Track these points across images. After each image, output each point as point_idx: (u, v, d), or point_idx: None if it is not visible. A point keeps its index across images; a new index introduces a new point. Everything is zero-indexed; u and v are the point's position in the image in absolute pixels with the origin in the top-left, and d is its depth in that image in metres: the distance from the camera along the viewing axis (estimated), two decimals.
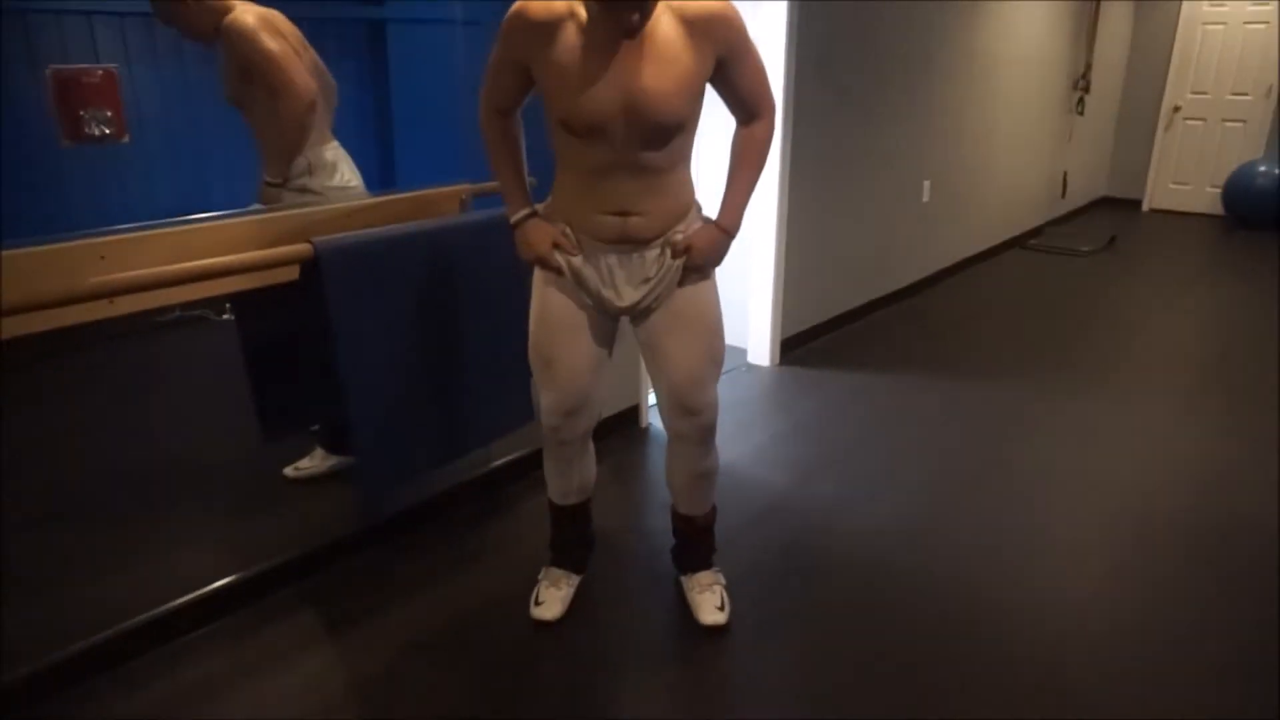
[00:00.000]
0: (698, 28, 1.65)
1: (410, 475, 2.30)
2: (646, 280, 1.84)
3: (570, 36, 1.64)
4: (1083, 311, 4.74)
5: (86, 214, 2.10)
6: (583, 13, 1.64)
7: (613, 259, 1.83)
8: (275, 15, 2.17)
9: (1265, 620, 2.15)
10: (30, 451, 2.36)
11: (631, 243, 1.80)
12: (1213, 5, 6.88)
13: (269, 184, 2.26)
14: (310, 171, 2.30)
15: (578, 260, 1.84)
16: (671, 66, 1.64)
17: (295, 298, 2.03)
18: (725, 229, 1.86)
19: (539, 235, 1.85)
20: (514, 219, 1.89)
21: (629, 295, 1.86)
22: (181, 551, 2.27)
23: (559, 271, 1.86)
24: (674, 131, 1.70)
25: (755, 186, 1.90)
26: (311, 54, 2.27)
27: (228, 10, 2.09)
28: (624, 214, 1.77)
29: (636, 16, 1.54)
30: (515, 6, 1.67)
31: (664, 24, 1.64)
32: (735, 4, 1.70)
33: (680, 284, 1.86)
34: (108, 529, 2.33)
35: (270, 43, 2.12)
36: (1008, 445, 3.13)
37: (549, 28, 1.64)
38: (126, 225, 1.81)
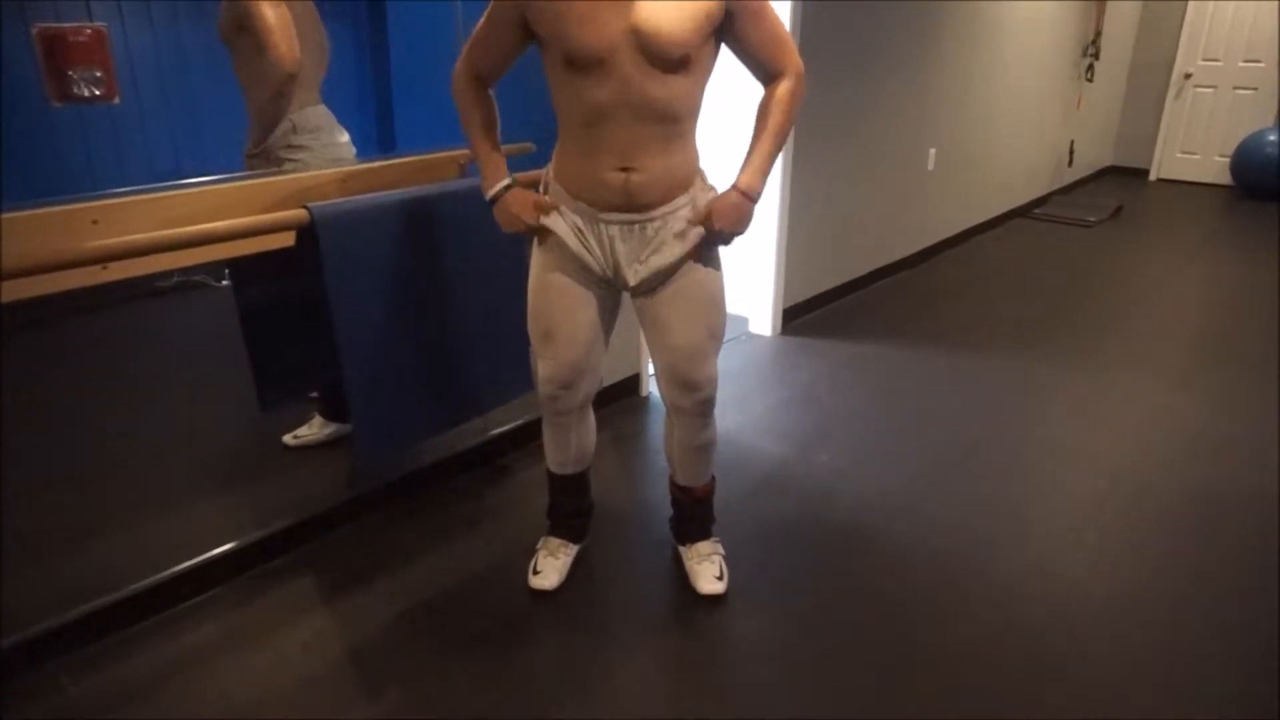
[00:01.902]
0: None
1: (408, 443, 2.30)
2: (646, 257, 1.80)
3: None
4: (1087, 282, 4.70)
5: (79, 177, 2.07)
6: None
7: (614, 230, 1.78)
8: None
9: (1264, 592, 2.15)
10: (27, 418, 2.35)
11: (633, 209, 1.75)
12: None
13: (250, 155, 2.23)
14: (295, 131, 2.27)
15: (572, 220, 1.80)
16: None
17: (292, 264, 2.00)
18: (744, 191, 1.78)
19: (519, 202, 1.82)
20: (491, 192, 1.84)
21: (631, 275, 1.82)
22: (179, 518, 2.27)
23: (543, 231, 1.82)
24: (679, 62, 1.64)
25: (778, 149, 1.81)
26: (313, 14, 2.22)
27: None
28: (626, 169, 1.70)
29: None
30: None
31: None
32: None
33: (696, 259, 1.82)
34: (104, 496, 2.33)
35: (270, 9, 2.07)
36: (1008, 416, 3.12)
37: None
38: (119, 189, 1.78)
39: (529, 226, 1.83)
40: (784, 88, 1.78)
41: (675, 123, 1.71)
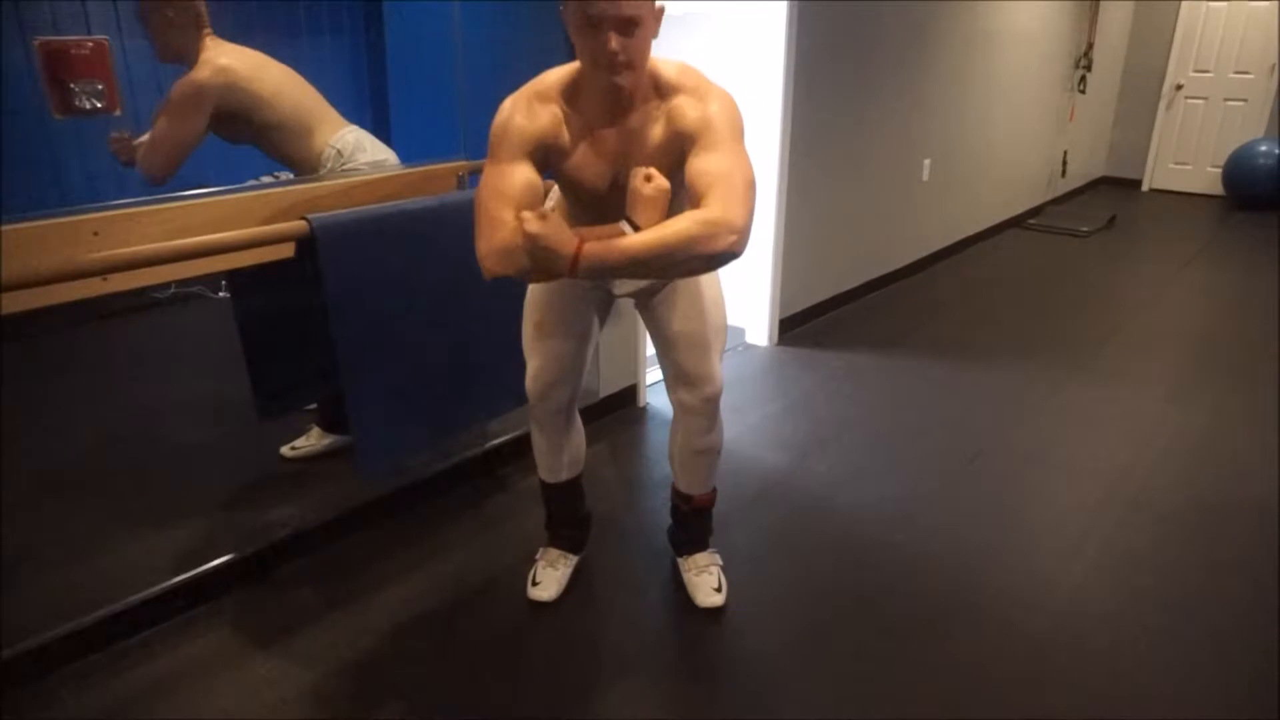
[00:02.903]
0: (679, 128, 1.61)
1: (407, 454, 2.29)
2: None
3: (568, 141, 1.65)
4: (1082, 292, 4.72)
5: (79, 188, 2.08)
6: (570, 111, 1.64)
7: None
8: (231, 69, 2.13)
9: (1263, 602, 2.15)
10: (24, 428, 2.35)
11: None
12: None
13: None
14: (341, 155, 2.31)
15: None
16: (654, 157, 1.64)
17: (291, 275, 2.01)
18: (579, 248, 1.47)
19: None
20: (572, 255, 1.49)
21: (628, 284, 1.87)
22: (177, 530, 2.26)
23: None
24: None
25: (648, 255, 1.47)
26: (276, 71, 2.25)
27: (197, 48, 2.07)
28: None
29: (618, 79, 1.53)
30: (505, 115, 1.61)
31: (655, 130, 1.64)
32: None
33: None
34: (101, 508, 2.32)
35: (166, 119, 2.08)
36: (1005, 425, 3.12)
37: (552, 125, 1.63)
38: (120, 200, 1.79)
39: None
40: (701, 215, 1.49)
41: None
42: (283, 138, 2.25)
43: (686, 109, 1.60)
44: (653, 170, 1.56)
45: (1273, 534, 2.43)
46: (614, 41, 1.48)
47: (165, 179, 2.10)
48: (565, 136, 1.65)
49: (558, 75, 1.65)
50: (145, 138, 2.07)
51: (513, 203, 1.55)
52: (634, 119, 1.64)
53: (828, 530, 2.47)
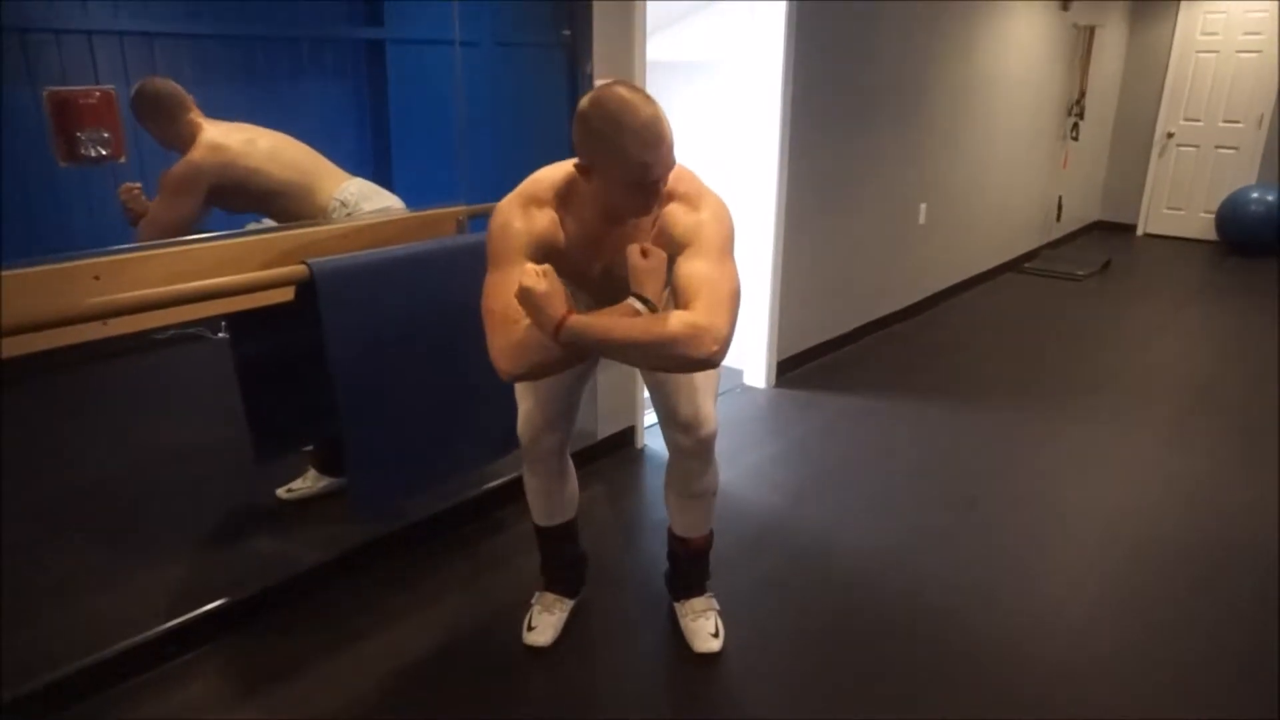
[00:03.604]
0: (672, 239, 1.64)
1: (403, 497, 2.29)
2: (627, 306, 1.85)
3: (562, 238, 1.68)
4: (1078, 335, 4.75)
5: (83, 234, 2.10)
6: (566, 213, 1.67)
7: (592, 302, 1.85)
8: (224, 148, 2.17)
9: (1262, 645, 2.14)
10: (20, 471, 2.34)
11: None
12: (1205, 35, 6.95)
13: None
14: (345, 205, 2.33)
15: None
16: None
17: (290, 318, 2.02)
18: (563, 319, 1.50)
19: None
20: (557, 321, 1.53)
21: None
22: (171, 573, 2.25)
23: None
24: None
25: (622, 341, 1.52)
26: (268, 140, 2.28)
27: (195, 132, 2.11)
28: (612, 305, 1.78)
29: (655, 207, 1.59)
30: (502, 219, 1.64)
31: (648, 231, 1.68)
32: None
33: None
34: (97, 551, 2.31)
35: (161, 203, 2.10)
36: (1003, 469, 3.12)
37: (545, 238, 1.65)
38: (122, 245, 1.81)
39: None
40: (677, 319, 1.51)
41: None
42: (286, 202, 2.27)
43: (679, 215, 1.63)
44: (647, 245, 1.59)
45: (1271, 576, 2.42)
46: (660, 186, 1.54)
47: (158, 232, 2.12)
48: (561, 238, 1.67)
49: (550, 178, 1.67)
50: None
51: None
52: (629, 223, 1.68)
53: (826, 574, 2.45)
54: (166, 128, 2.11)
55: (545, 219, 1.65)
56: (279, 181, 2.26)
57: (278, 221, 2.29)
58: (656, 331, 1.50)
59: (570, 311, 1.50)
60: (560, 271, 1.67)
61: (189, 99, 2.11)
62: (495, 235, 1.63)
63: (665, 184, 1.59)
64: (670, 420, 1.95)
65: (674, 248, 1.62)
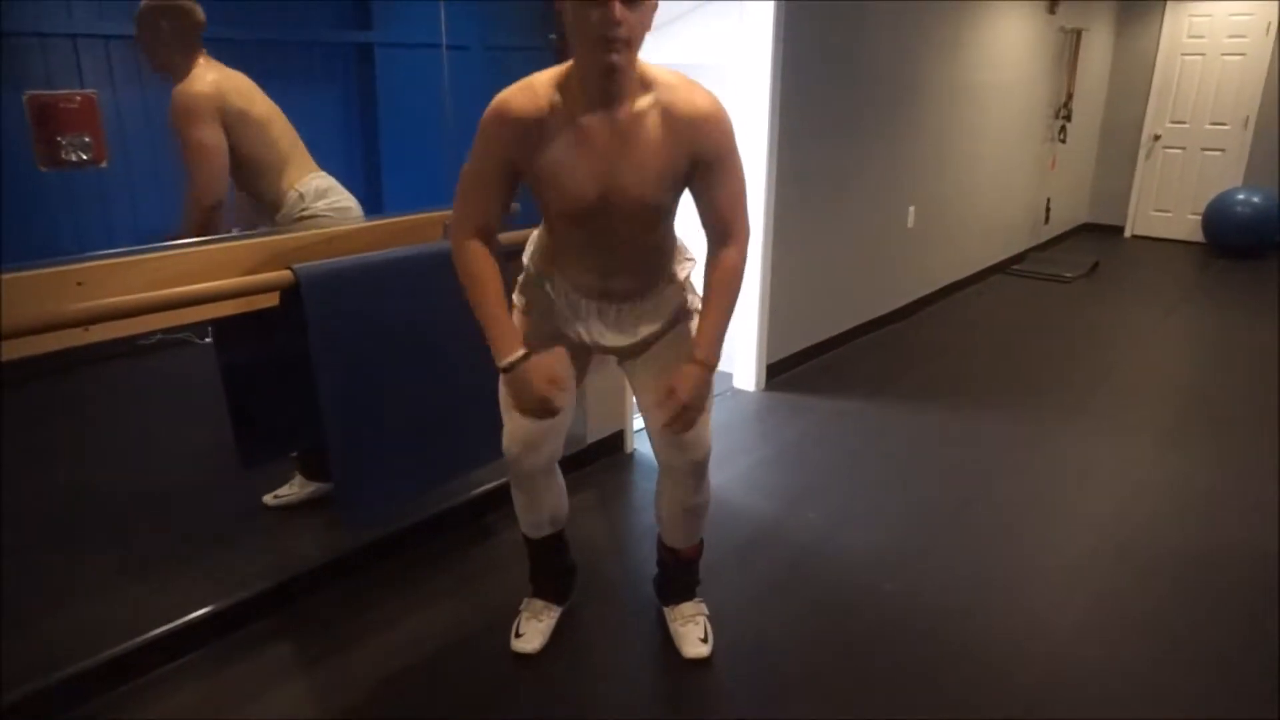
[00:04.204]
0: (682, 131, 1.61)
1: (391, 503, 2.27)
2: (624, 327, 1.85)
3: (556, 131, 1.61)
4: (1066, 337, 4.76)
5: (64, 238, 2.08)
6: (560, 101, 1.61)
7: (592, 306, 1.84)
8: (226, 86, 2.15)
9: (1256, 650, 2.14)
10: (5, 476, 2.32)
11: (611, 299, 1.82)
12: (1191, 38, 6.99)
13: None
14: (304, 199, 2.31)
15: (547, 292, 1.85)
16: (651, 163, 1.62)
17: (276, 324, 2.01)
18: (703, 363, 1.75)
19: (539, 374, 1.73)
20: (506, 362, 1.72)
21: (610, 339, 1.87)
22: (156, 581, 2.23)
23: (556, 411, 1.79)
24: (652, 219, 1.71)
25: (730, 314, 1.78)
26: (266, 104, 2.26)
27: (190, 64, 2.07)
28: (605, 276, 1.79)
29: (615, 57, 1.50)
30: (497, 103, 1.62)
31: (649, 121, 1.61)
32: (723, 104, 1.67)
33: (674, 428, 1.79)
34: (80, 559, 2.29)
35: (198, 133, 2.09)
36: (992, 471, 3.12)
37: (536, 125, 1.60)
38: (105, 251, 1.79)
39: (540, 399, 1.74)
40: (732, 258, 1.75)
41: (652, 245, 1.79)
42: (256, 171, 2.24)
43: (703, 137, 1.62)
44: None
45: (1264, 579, 2.43)
46: (617, 10, 1.45)
47: (221, 198, 2.15)
48: (552, 124, 1.60)
49: (549, 72, 1.65)
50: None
51: (483, 192, 1.69)
52: (623, 113, 1.60)
53: (816, 579, 2.45)
54: (161, 50, 2.07)
55: (539, 100, 1.60)
56: (261, 148, 2.23)
57: (240, 190, 2.25)
58: (735, 294, 1.78)
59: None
60: (557, 200, 1.65)
61: (199, 37, 2.10)
62: (486, 115, 1.64)
63: (634, 50, 1.54)
64: (662, 442, 1.94)
65: (698, 164, 1.65)
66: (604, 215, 1.66)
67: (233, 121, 2.16)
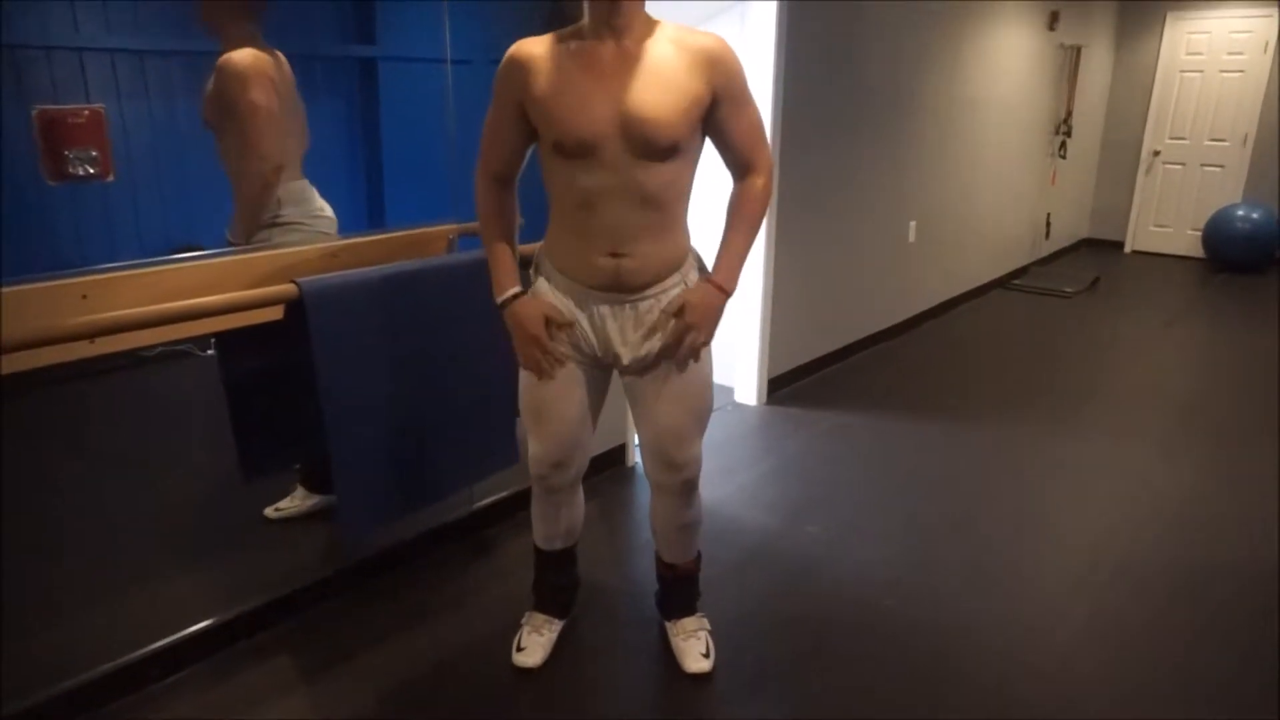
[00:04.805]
0: (697, 57, 1.65)
1: (392, 516, 2.27)
2: (637, 338, 1.81)
3: (563, 60, 1.65)
4: (1067, 352, 4.77)
5: (69, 251, 2.09)
6: (569, 39, 1.67)
7: (605, 309, 1.78)
8: (269, 61, 2.18)
9: (1254, 664, 2.14)
10: (5, 487, 2.32)
11: (624, 290, 1.76)
12: (1190, 55, 7.03)
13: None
14: (281, 205, 2.30)
15: (562, 300, 1.81)
16: (667, 84, 1.63)
17: (279, 336, 2.01)
18: (720, 286, 1.77)
19: (529, 311, 1.79)
20: (501, 298, 1.81)
21: (624, 353, 1.83)
22: (155, 594, 2.23)
23: (557, 361, 1.83)
24: (668, 150, 1.65)
25: (751, 244, 1.82)
26: (293, 85, 2.28)
27: (243, 33, 2.13)
28: (616, 255, 1.71)
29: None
30: (509, 51, 1.69)
31: (660, 47, 1.65)
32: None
33: (677, 358, 1.81)
34: (81, 571, 2.28)
35: (257, 95, 2.13)
36: (993, 486, 3.12)
37: (540, 59, 1.66)
38: (110, 264, 1.80)
39: (532, 336, 1.79)
40: (757, 183, 1.80)
41: (665, 208, 1.72)
42: (254, 160, 2.24)
43: (718, 64, 1.67)
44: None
45: (1264, 595, 2.42)
46: None
47: (283, 161, 2.21)
48: (558, 54, 1.66)
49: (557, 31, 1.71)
50: None
51: (500, 141, 1.77)
52: (631, 41, 1.64)
53: (817, 594, 2.44)
54: (236, 14, 2.15)
55: (546, 43, 1.68)
56: (272, 137, 2.24)
57: (222, 160, 2.25)
58: (757, 220, 1.81)
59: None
60: (566, 131, 1.64)
61: (258, 21, 2.18)
62: (499, 71, 1.72)
63: None
64: (655, 459, 1.94)
65: (716, 89, 1.68)
66: (615, 148, 1.64)
67: (262, 97, 2.19)
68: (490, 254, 1.84)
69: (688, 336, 1.77)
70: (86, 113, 1.87)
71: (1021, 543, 2.74)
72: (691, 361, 1.84)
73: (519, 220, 1.90)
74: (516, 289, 1.81)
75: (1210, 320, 5.47)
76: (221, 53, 2.13)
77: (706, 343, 1.82)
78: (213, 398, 2.25)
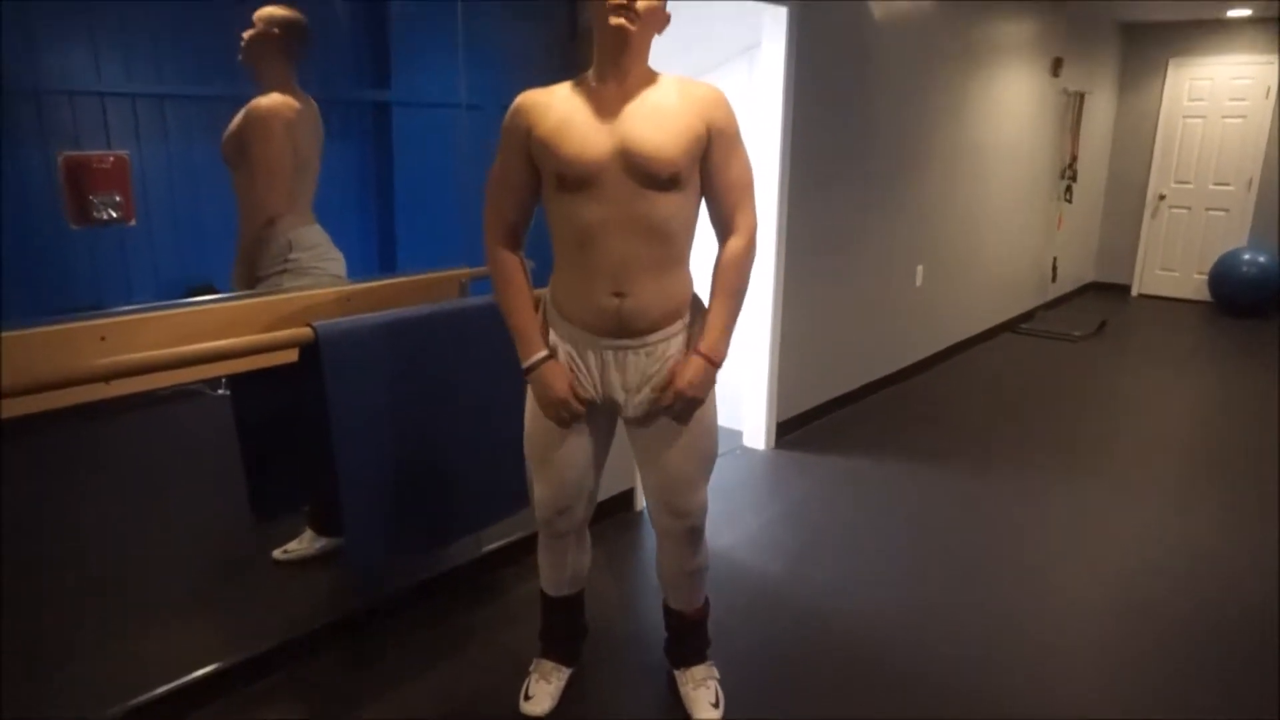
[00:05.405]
0: (695, 101, 1.72)
1: (400, 559, 2.26)
2: (639, 386, 1.81)
3: (567, 103, 1.71)
4: (1075, 396, 4.76)
5: (88, 294, 2.11)
6: (573, 87, 1.74)
7: (608, 355, 1.79)
8: (296, 109, 2.24)
9: (1265, 708, 2.10)
10: (10, 530, 2.31)
11: (626, 334, 1.76)
12: (1192, 100, 7.10)
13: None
14: (292, 248, 2.33)
15: (565, 349, 1.83)
16: (667, 119, 1.68)
17: (292, 378, 2.02)
18: (707, 356, 1.77)
19: (555, 377, 1.79)
20: (528, 363, 1.80)
21: (626, 400, 1.83)
22: (162, 638, 2.21)
23: (577, 415, 1.84)
24: (669, 181, 1.67)
25: (738, 311, 1.82)
26: (317, 143, 2.32)
27: (279, 78, 2.20)
28: (619, 294, 1.72)
29: (626, 21, 1.63)
30: (515, 100, 1.75)
31: (661, 91, 1.72)
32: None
33: (678, 418, 1.83)
34: (88, 613, 2.27)
35: (271, 148, 2.19)
36: (1004, 532, 3.10)
37: (545, 104, 1.72)
38: (128, 306, 1.82)
39: (559, 400, 1.80)
40: (739, 246, 1.80)
41: (668, 243, 1.73)
42: (266, 192, 2.28)
43: (716, 107, 1.73)
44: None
45: (1273, 641, 2.39)
46: (629, 16, 1.62)
47: (280, 212, 2.25)
48: (561, 98, 1.72)
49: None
50: None
51: (509, 189, 1.79)
52: (633, 82, 1.70)
53: (827, 641, 2.42)
54: (283, 62, 2.21)
55: (552, 92, 1.74)
56: (287, 179, 2.28)
57: (237, 193, 2.29)
58: (743, 286, 1.81)
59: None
60: (567, 164, 1.67)
61: (293, 64, 2.25)
62: (505, 120, 1.77)
63: (644, 31, 1.68)
64: (660, 506, 1.93)
65: (710, 138, 1.73)
66: (617, 178, 1.66)
67: (280, 142, 2.24)
68: (511, 319, 1.82)
69: (678, 404, 1.80)
70: (111, 159, 1.90)
71: (1033, 589, 2.71)
72: (690, 415, 1.85)
73: (529, 264, 1.91)
74: (544, 353, 1.81)
75: (1219, 365, 5.46)
76: (256, 93, 2.18)
77: (698, 405, 1.83)
78: (222, 438, 2.26)
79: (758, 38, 3.63)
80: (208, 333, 1.87)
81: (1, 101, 1.85)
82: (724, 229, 1.81)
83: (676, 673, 2.17)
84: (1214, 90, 7.00)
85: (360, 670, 2.24)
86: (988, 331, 5.98)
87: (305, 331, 1.91)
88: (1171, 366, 5.36)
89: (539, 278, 1.94)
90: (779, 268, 3.77)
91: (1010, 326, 6.27)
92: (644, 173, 1.66)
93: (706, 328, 1.79)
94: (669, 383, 1.78)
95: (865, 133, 4.18)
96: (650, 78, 1.74)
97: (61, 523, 2.46)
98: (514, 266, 1.83)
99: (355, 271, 2.47)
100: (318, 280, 2.31)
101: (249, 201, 2.25)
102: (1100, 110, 7.10)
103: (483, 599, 2.60)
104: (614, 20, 1.63)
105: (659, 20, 1.72)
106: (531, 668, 2.17)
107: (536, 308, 1.89)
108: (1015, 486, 3.51)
